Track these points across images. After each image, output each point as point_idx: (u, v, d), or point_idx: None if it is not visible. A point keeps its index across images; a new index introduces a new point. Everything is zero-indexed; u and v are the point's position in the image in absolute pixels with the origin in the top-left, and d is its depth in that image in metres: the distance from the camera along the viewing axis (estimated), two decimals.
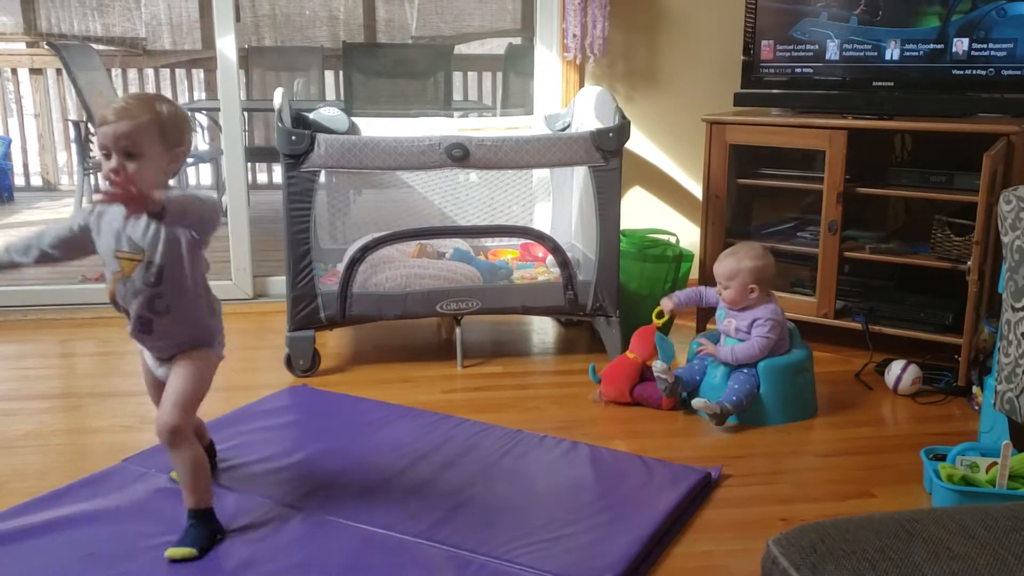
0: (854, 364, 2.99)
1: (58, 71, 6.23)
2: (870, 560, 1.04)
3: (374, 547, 1.86)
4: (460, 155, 2.78)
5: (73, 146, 5.86)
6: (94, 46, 6.04)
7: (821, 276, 3.09)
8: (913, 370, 2.77)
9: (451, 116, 4.46)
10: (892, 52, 3.00)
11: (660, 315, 2.77)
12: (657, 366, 2.59)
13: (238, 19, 3.56)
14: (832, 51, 3.10)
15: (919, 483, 2.22)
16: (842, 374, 2.95)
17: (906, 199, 3.27)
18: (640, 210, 3.74)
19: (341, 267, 2.88)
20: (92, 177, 5.85)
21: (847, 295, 3.13)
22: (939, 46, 2.92)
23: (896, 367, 2.80)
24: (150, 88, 6.64)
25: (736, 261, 2.61)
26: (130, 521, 1.95)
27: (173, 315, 1.84)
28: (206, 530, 1.84)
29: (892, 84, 3.00)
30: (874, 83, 3.04)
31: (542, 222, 3.36)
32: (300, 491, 2.08)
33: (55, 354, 3.15)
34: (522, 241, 3.32)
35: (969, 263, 2.70)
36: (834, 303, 3.09)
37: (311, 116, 3.23)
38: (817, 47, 3.13)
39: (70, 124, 5.98)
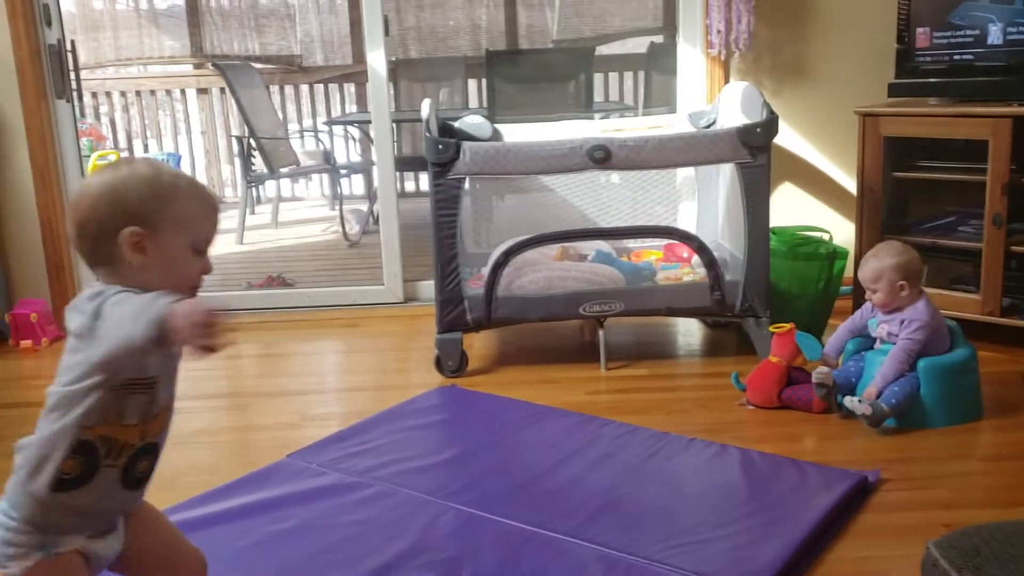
0: (1023, 364, 2.82)
1: (222, 90, 6.61)
2: None
3: (524, 543, 1.89)
4: (602, 157, 2.79)
5: (236, 160, 6.22)
6: (254, 65, 6.38)
7: (985, 272, 2.93)
8: None
9: (592, 118, 4.48)
10: None
11: (779, 326, 2.68)
12: (818, 373, 2.52)
13: (387, 33, 3.69)
14: (995, 35, 2.94)
15: None
16: (1009, 375, 2.79)
17: None
18: (790, 207, 3.65)
19: (486, 271, 2.94)
20: (255, 189, 6.19)
21: (1014, 292, 2.96)
22: None
23: None
24: (305, 103, 6.95)
25: (878, 261, 2.51)
26: (294, 512, 2.05)
27: None
28: None
29: None
30: None
31: (687, 222, 3.32)
32: (451, 487, 2.14)
33: (221, 356, 3.34)
34: (666, 242, 3.30)
35: None
36: (1000, 300, 2.92)
37: (456, 125, 3.31)
38: (978, 32, 2.97)
39: (233, 140, 6.34)
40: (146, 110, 6.98)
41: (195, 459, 2.44)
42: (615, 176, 3.19)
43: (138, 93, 6.91)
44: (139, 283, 1.27)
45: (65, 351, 1.28)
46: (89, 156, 5.78)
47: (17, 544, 1.28)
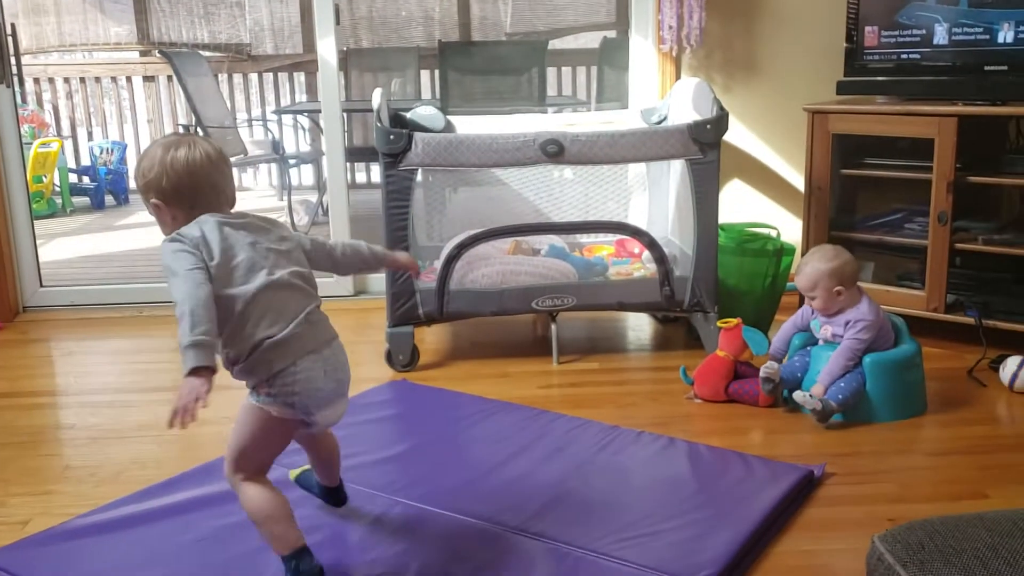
0: (966, 360, 2.88)
1: (169, 78, 6.49)
2: (981, 558, 1.00)
3: (473, 538, 1.88)
4: (555, 151, 2.78)
5: None
6: (202, 53, 6.27)
7: (931, 269, 2.98)
8: None
9: (545, 112, 4.47)
10: (1006, 35, 2.87)
11: (726, 321, 2.70)
12: (766, 368, 2.54)
13: (338, 22, 3.64)
14: (941, 35, 2.99)
15: None
16: (954, 371, 2.84)
17: (1022, 188, 3.13)
18: (739, 203, 3.68)
19: (438, 264, 2.92)
20: None
21: (959, 288, 3.01)
22: None
23: (1012, 363, 2.68)
24: (254, 92, 6.85)
25: (811, 269, 2.54)
26: (237, 506, 2.01)
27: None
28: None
29: (1006, 68, 2.87)
30: (986, 67, 2.91)
31: (638, 217, 3.34)
32: (401, 482, 2.12)
33: (168, 349, 3.28)
34: (618, 237, 3.31)
35: None
36: (945, 297, 2.98)
37: (408, 116, 3.28)
38: (924, 32, 3.02)
39: (180, 128, 6.22)
40: (91, 97, 6.83)
41: (139, 453, 2.38)
42: (568, 171, 3.19)
43: (82, 80, 6.75)
44: None
45: None
46: (31, 143, 5.63)
47: None
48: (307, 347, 1.64)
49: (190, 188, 1.65)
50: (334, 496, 1.96)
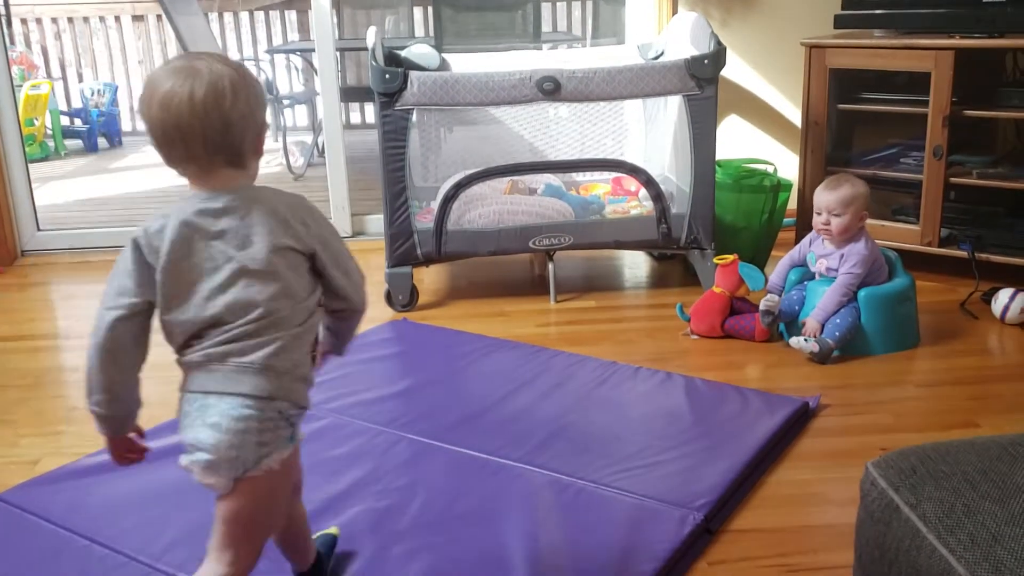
0: (959, 293, 2.91)
1: (158, 17, 6.39)
2: (970, 481, 1.04)
3: (476, 470, 1.93)
4: (551, 88, 2.77)
5: None
6: None
7: (925, 203, 3.00)
8: (1022, 298, 2.68)
9: (540, 49, 4.43)
10: None
11: (722, 258, 2.72)
12: (766, 300, 2.57)
13: None
14: None
15: None
16: (946, 304, 2.87)
17: (1017, 122, 3.13)
18: (736, 139, 3.67)
19: (435, 204, 2.92)
20: None
21: (953, 223, 3.03)
22: None
23: (1004, 295, 2.71)
24: (246, 31, 6.75)
25: (851, 187, 2.54)
26: None
27: None
28: None
29: (1003, 0, 2.85)
30: None
31: (634, 155, 3.33)
32: (404, 418, 2.16)
33: None
34: (614, 175, 3.31)
35: None
36: (939, 231, 3.00)
37: (402, 54, 3.25)
38: None
39: None
40: (79, 38, 6.72)
41: (144, 394, 2.40)
42: (564, 109, 3.18)
43: (70, 19, 6.64)
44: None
45: None
46: (21, 86, 5.57)
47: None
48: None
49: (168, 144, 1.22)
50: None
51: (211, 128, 1.20)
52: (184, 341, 1.26)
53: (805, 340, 2.48)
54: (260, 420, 1.22)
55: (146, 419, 2.21)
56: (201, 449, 1.23)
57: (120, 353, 1.26)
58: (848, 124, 3.33)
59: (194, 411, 1.25)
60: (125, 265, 1.24)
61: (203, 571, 1.30)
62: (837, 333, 2.48)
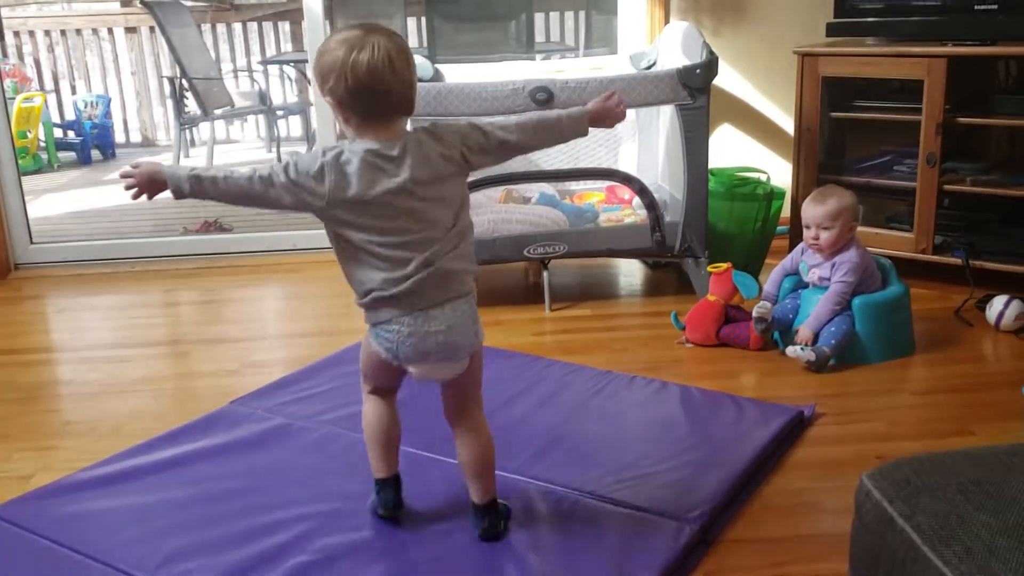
0: (953, 301, 2.91)
1: (151, 29, 6.39)
2: (965, 492, 1.04)
3: None
4: (544, 98, 2.77)
5: (168, 102, 6.04)
6: (185, 3, 6.17)
7: (919, 211, 3.00)
8: (1017, 305, 2.68)
9: (534, 59, 4.44)
10: None
11: (716, 266, 2.72)
12: (759, 307, 2.57)
13: None
14: None
15: (1022, 421, 2.17)
16: (941, 311, 2.87)
17: (1011, 129, 3.13)
18: (729, 148, 3.68)
19: None
20: (189, 131, 6.03)
21: (946, 230, 3.04)
22: None
23: (998, 302, 2.71)
24: (239, 42, 6.75)
25: (837, 200, 2.55)
26: (239, 458, 2.05)
27: None
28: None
29: (996, 7, 2.86)
30: (976, 7, 2.90)
31: (628, 164, 3.34)
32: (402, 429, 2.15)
33: (161, 303, 3.29)
34: (608, 184, 3.31)
35: None
36: (933, 238, 3.00)
37: None
38: None
39: (165, 81, 6.16)
40: (72, 50, 6.72)
41: (138, 407, 2.41)
42: None
43: (63, 32, 6.64)
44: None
45: None
46: (14, 98, 5.56)
47: None
48: (416, 305, 1.61)
49: (368, 96, 1.53)
50: (485, 518, 1.72)
51: (403, 85, 1.54)
52: None
53: (802, 349, 2.48)
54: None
55: (140, 433, 2.22)
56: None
57: (252, 200, 1.62)
58: (841, 132, 3.34)
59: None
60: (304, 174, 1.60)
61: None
62: (833, 341, 2.48)
